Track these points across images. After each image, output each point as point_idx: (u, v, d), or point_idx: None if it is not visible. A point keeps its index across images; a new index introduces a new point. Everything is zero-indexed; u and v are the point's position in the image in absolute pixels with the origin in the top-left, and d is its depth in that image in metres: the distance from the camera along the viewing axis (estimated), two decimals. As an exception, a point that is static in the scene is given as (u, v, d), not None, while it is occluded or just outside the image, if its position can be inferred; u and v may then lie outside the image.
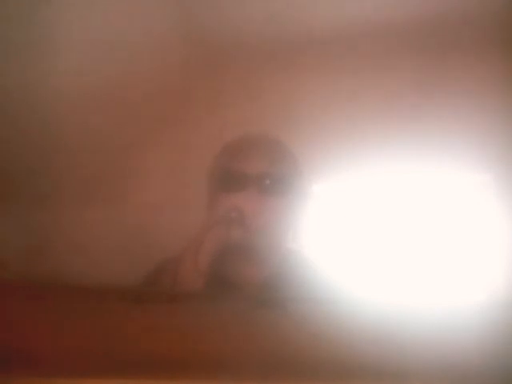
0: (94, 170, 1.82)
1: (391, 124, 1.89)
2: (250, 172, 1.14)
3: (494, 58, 1.84)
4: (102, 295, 0.60)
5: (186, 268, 1.05)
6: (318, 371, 0.52)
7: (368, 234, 1.94)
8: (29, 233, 1.74)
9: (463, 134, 1.86)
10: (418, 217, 1.97)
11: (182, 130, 1.85)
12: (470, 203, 1.96)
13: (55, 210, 1.75)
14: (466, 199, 1.96)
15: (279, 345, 0.53)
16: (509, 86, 1.82)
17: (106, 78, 1.71)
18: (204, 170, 1.22)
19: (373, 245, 1.91)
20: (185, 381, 0.53)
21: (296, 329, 0.54)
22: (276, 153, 1.19)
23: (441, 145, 1.87)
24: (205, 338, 0.54)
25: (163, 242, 1.38)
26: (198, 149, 1.52)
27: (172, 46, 1.78)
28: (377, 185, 1.99)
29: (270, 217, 1.13)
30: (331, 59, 1.89)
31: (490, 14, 1.73)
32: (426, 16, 1.75)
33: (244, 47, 1.87)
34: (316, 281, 1.14)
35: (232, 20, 1.78)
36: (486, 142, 1.85)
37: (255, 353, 0.53)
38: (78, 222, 1.77)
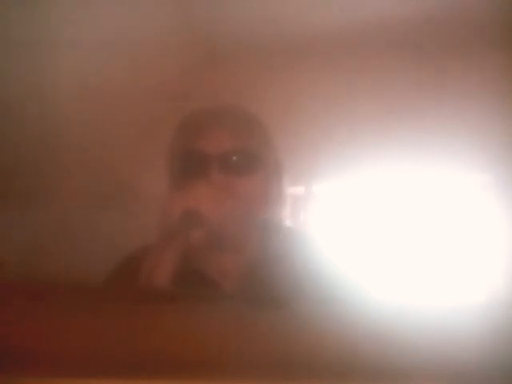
0: (94, 169, 1.82)
1: (391, 124, 1.89)
2: (211, 151, 0.98)
3: (494, 58, 1.84)
4: (102, 295, 0.60)
5: (148, 276, 0.92)
6: (319, 371, 0.52)
7: (368, 234, 1.94)
8: (29, 233, 1.74)
9: (463, 134, 1.86)
10: (418, 217, 1.97)
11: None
12: (469, 203, 1.96)
13: (56, 209, 1.75)
14: (465, 199, 1.96)
15: (280, 345, 0.53)
16: (509, 87, 1.82)
17: (107, 78, 1.71)
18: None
19: (373, 245, 1.91)
20: (185, 381, 0.53)
21: (297, 329, 0.54)
22: (241, 126, 1.03)
23: (441, 145, 1.87)
24: (205, 338, 0.54)
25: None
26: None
27: (172, 45, 1.78)
28: (377, 185, 1.99)
29: (239, 200, 0.97)
30: (331, 59, 1.89)
31: (490, 14, 1.73)
32: (425, 16, 1.75)
33: (244, 48, 1.87)
34: (312, 264, 1.02)
35: (233, 20, 1.78)
36: (486, 142, 1.86)
37: (256, 353, 0.53)
38: (78, 221, 1.77)
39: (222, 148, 0.99)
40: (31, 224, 1.74)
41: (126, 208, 1.75)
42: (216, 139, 1.00)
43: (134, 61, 1.73)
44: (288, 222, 1.14)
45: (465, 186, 1.97)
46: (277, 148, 1.08)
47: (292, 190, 1.80)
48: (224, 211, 0.94)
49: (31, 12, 1.54)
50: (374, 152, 1.86)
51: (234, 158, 0.99)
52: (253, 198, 1.01)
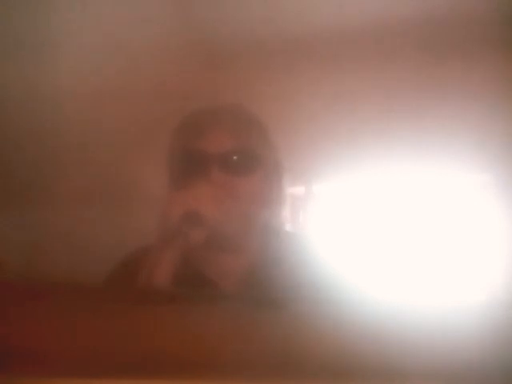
0: (94, 169, 1.82)
1: (391, 124, 1.89)
2: (211, 151, 0.98)
3: (494, 59, 1.84)
4: (102, 295, 0.60)
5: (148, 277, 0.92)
6: (317, 371, 0.52)
7: (368, 234, 1.94)
8: (29, 232, 1.74)
9: (463, 134, 1.86)
10: (417, 217, 1.97)
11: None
12: (469, 203, 1.96)
13: (55, 209, 1.75)
14: (465, 199, 1.96)
15: (279, 345, 0.53)
16: (509, 87, 1.82)
17: (107, 78, 1.71)
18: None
19: (373, 245, 1.91)
20: (185, 381, 0.53)
21: (296, 329, 0.54)
22: (241, 126, 1.03)
23: (441, 145, 1.87)
24: (204, 338, 0.54)
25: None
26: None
27: (172, 45, 1.77)
28: (376, 185, 1.99)
29: (239, 200, 0.97)
30: (331, 59, 1.89)
31: (490, 14, 1.73)
32: (426, 16, 1.75)
33: (244, 48, 1.87)
34: (311, 265, 1.02)
35: (232, 21, 1.78)
36: (485, 142, 1.85)
37: (254, 353, 0.53)
38: (78, 221, 1.77)
39: (222, 148, 0.99)
40: (31, 224, 1.74)
41: (125, 208, 1.75)
42: (216, 139, 1.00)
43: (133, 61, 1.73)
44: (288, 223, 1.14)
45: (465, 185, 1.97)
46: (277, 148, 1.08)
47: (292, 190, 1.80)
48: (224, 211, 0.94)
49: (32, 12, 1.54)
50: (374, 152, 1.86)
51: (234, 157, 0.99)
52: (252, 197, 1.01)
